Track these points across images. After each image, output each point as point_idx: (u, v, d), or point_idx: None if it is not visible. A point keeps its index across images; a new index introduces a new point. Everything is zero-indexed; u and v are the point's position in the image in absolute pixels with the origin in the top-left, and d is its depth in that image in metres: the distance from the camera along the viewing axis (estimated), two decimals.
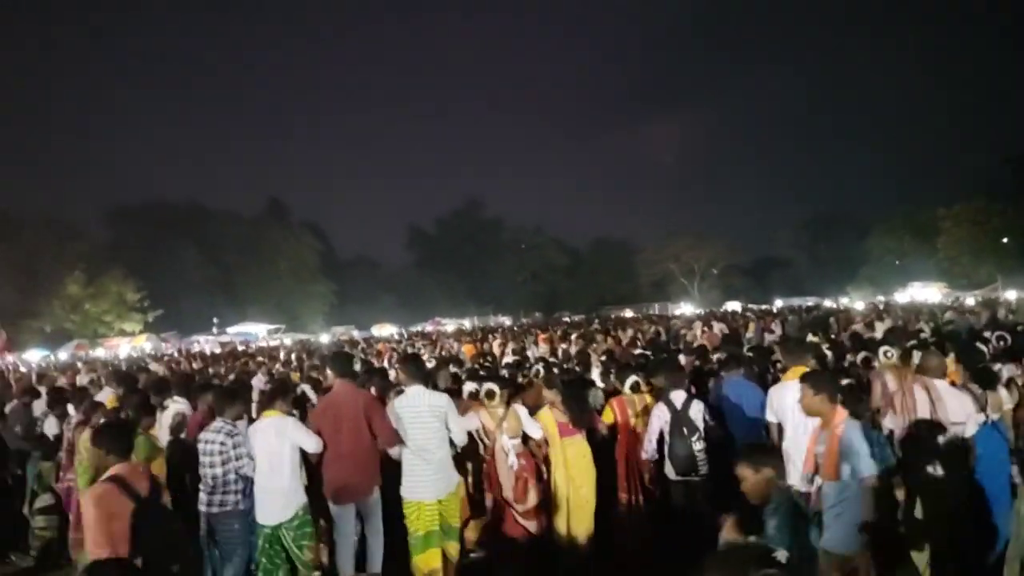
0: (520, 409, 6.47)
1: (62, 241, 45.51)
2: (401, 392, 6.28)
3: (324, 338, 39.57)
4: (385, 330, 46.79)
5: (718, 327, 21.60)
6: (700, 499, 6.41)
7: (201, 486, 5.82)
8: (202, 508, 5.78)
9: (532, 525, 6.20)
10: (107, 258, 47.29)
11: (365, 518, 6.10)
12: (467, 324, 50.89)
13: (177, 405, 7.41)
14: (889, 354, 7.64)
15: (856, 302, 41.91)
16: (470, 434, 6.39)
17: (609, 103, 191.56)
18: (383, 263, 76.86)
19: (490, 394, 6.55)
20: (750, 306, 48.19)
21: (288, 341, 37.58)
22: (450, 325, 49.33)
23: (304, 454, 5.90)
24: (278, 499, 5.67)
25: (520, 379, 8.33)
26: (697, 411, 6.62)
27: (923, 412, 5.49)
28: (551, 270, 77.64)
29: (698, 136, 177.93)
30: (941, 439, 5.30)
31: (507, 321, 54.20)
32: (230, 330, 44.52)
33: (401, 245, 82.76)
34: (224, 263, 55.39)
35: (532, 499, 6.18)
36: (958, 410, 5.43)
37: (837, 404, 4.61)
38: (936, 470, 5.15)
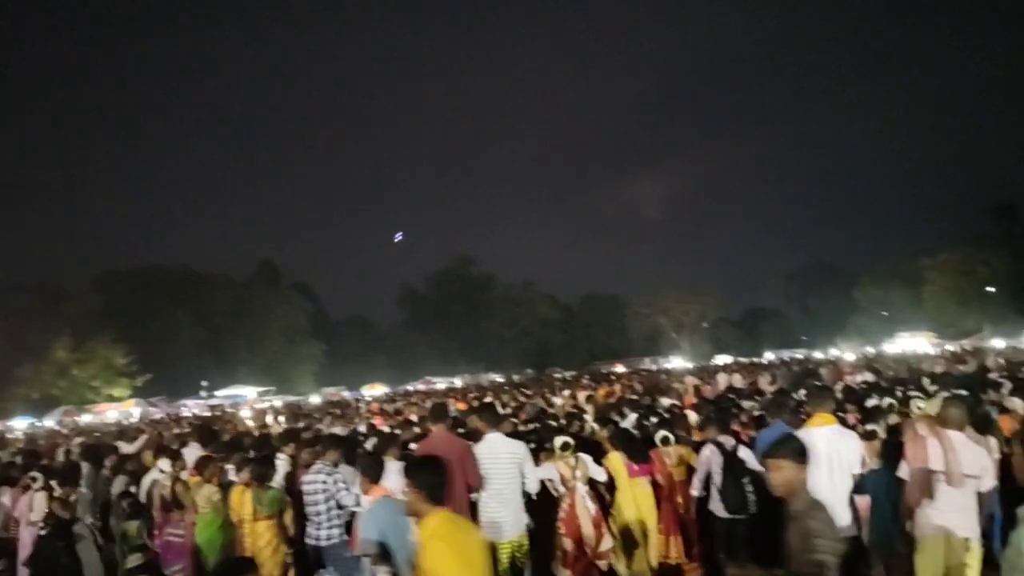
0: (586, 457, 7.00)
1: (50, 306, 45.32)
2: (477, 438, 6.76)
3: (314, 399, 39.28)
4: (376, 390, 46.48)
5: (723, 378, 22.56)
6: (743, 536, 6.92)
7: (308, 523, 6.73)
8: (310, 542, 6.65)
9: (606, 565, 6.79)
10: (96, 322, 47.02)
11: None
12: (458, 382, 50.68)
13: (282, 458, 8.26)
14: (921, 405, 7.86)
15: (846, 353, 42.02)
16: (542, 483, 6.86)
17: (597, 159, 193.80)
18: (374, 323, 76.80)
19: (565, 446, 6.98)
20: (739, 359, 48.24)
21: (278, 403, 37.29)
22: (441, 383, 49.09)
23: None
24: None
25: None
26: (746, 454, 7.04)
27: (935, 464, 5.39)
28: (542, 326, 77.63)
29: (686, 191, 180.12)
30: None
31: (499, 378, 53.95)
32: (219, 393, 44.15)
33: (392, 304, 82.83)
34: (214, 326, 55.17)
35: (608, 542, 6.78)
36: (973, 463, 5.36)
37: None
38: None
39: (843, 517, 5.80)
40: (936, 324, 47.73)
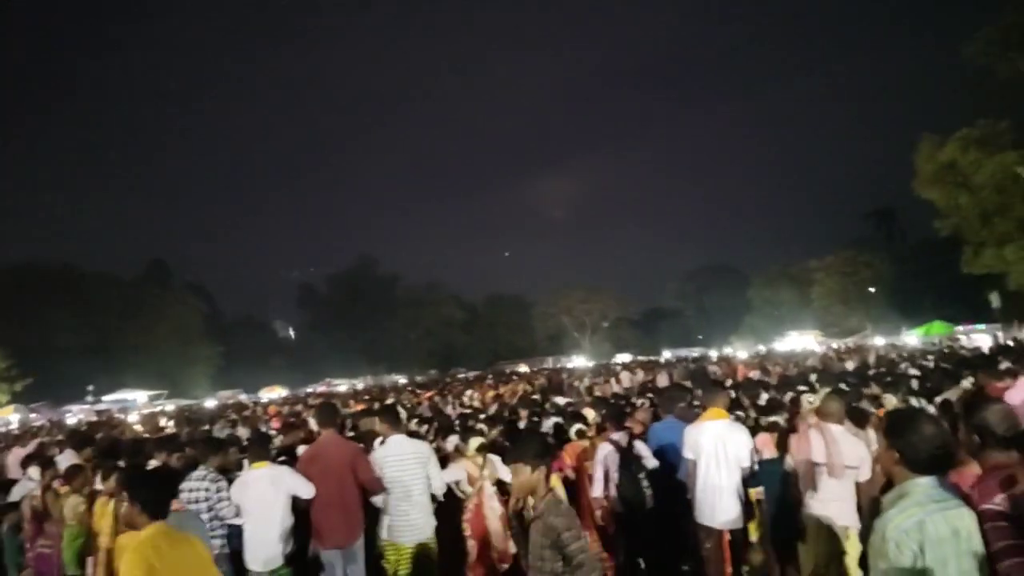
0: (494, 457, 6.99)
1: None
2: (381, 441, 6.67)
3: (209, 403, 37.99)
4: (274, 393, 45.32)
5: (626, 376, 23.26)
6: (645, 530, 6.86)
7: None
8: None
9: (509, 567, 6.73)
10: None
11: (348, 563, 6.31)
12: (360, 384, 49.99)
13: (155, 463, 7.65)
14: (811, 400, 8.02)
15: (739, 351, 43.56)
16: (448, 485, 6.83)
17: (502, 160, 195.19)
18: (273, 324, 74.96)
19: (472, 445, 7.06)
20: (639, 358, 49.37)
21: (170, 407, 35.87)
22: (342, 385, 48.31)
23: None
24: (269, 546, 6.00)
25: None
26: (641, 450, 7.07)
27: (818, 457, 5.60)
28: (447, 326, 77.40)
29: (589, 192, 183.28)
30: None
31: (402, 380, 53.48)
32: (107, 398, 42.08)
33: (292, 305, 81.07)
34: (100, 328, 52.52)
35: (513, 545, 6.76)
36: (852, 455, 5.58)
37: None
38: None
39: (731, 508, 6.10)
40: (823, 323, 50.06)
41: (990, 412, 3.23)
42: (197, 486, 6.19)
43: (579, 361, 55.30)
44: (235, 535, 6.21)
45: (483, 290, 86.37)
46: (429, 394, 22.73)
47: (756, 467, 6.31)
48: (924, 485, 2.89)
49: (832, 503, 5.51)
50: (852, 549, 5.47)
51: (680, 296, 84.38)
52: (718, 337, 62.11)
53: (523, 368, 50.78)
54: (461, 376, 48.96)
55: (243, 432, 13.22)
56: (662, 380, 21.80)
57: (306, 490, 6.12)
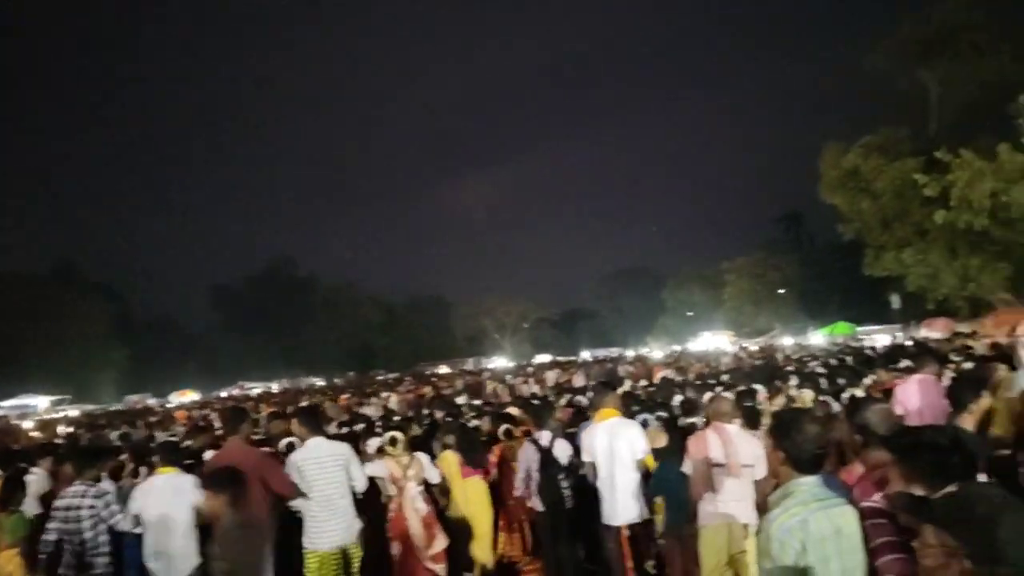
0: (422, 456, 6.89)
1: None
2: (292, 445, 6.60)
3: (116, 408, 36.54)
4: (186, 397, 43.93)
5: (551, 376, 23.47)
6: (565, 529, 6.85)
7: (67, 551, 5.73)
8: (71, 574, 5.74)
9: (439, 568, 6.61)
10: None
11: None
12: (275, 387, 48.92)
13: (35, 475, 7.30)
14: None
15: (655, 351, 44.40)
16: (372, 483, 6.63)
17: (422, 161, 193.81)
18: (185, 325, 72.65)
19: (393, 441, 6.81)
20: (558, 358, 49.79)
21: (74, 413, 34.34)
22: (257, 388, 47.19)
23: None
24: (173, 558, 5.63)
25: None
26: (562, 450, 6.98)
27: (716, 457, 5.64)
28: (366, 328, 76.52)
29: (511, 194, 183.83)
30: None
31: (319, 382, 52.55)
32: (5, 403, 39.99)
33: (205, 306, 78.75)
34: (0, 330, 49.87)
35: (440, 544, 6.63)
36: (748, 453, 5.66)
37: None
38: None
39: (628, 505, 6.23)
40: (734, 324, 51.47)
41: (872, 412, 3.36)
42: (74, 503, 5.79)
43: (499, 362, 55.44)
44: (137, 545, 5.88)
45: (403, 291, 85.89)
46: (346, 397, 22.41)
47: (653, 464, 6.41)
48: (808, 484, 2.93)
49: (731, 502, 5.57)
50: (752, 547, 5.49)
51: (598, 297, 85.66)
52: (633, 337, 63.20)
53: (443, 369, 50.58)
54: (380, 378, 48.49)
55: (143, 435, 12.72)
56: (578, 380, 22.03)
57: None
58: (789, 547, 2.79)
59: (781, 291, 51.13)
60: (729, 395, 7.65)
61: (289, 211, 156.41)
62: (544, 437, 7.09)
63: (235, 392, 45.90)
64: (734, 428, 5.80)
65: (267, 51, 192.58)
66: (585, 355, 52.44)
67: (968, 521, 1.67)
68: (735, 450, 5.57)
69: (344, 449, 6.24)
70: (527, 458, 7.00)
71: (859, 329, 34.16)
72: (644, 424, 7.25)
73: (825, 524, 2.82)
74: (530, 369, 33.16)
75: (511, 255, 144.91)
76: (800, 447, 2.96)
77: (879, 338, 28.52)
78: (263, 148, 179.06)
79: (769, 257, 53.01)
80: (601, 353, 50.01)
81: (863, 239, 28.62)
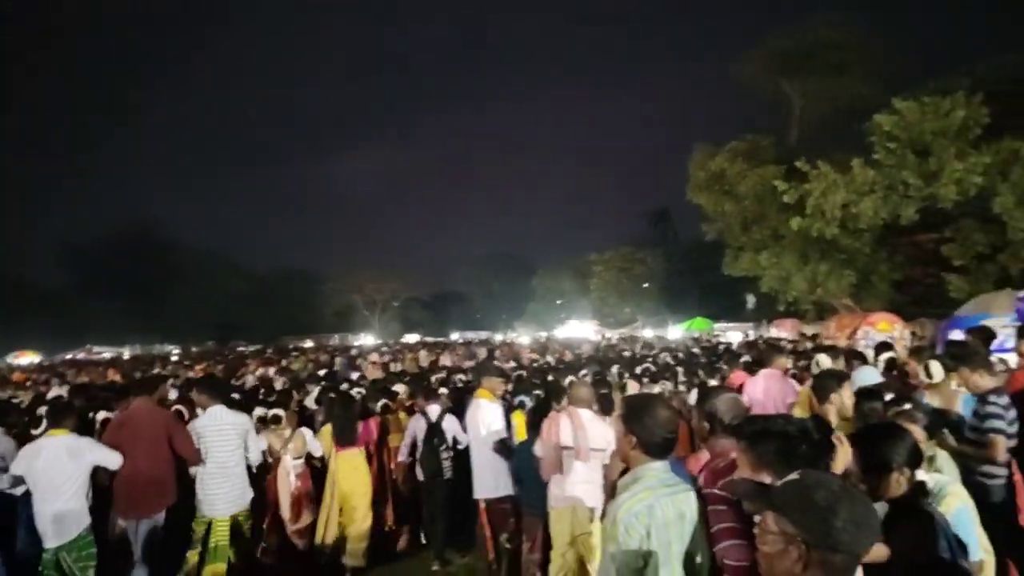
0: (305, 431, 7.22)
1: None
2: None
3: None
4: (24, 359, 40.95)
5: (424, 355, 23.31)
6: (441, 500, 7.27)
7: None
8: None
9: (301, 543, 6.94)
10: None
11: (149, 534, 6.11)
12: (127, 353, 46.40)
13: None
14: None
15: (522, 337, 45.03)
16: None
17: (295, 131, 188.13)
18: (34, 284, 67.41)
19: (275, 419, 7.06)
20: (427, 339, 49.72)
21: None
22: (107, 353, 44.66)
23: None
24: (63, 520, 5.52)
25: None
26: (450, 425, 7.35)
27: (566, 441, 5.75)
28: (229, 298, 73.53)
29: (387, 171, 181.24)
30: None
31: (175, 351, 50.16)
32: None
33: (53, 264, 73.58)
34: None
35: (306, 519, 6.95)
36: (599, 438, 5.78)
37: None
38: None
39: (489, 481, 6.65)
40: (599, 313, 52.85)
41: (720, 401, 3.45)
42: None
43: (367, 339, 54.75)
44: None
45: (271, 262, 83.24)
46: (202, 366, 21.53)
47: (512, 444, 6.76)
48: (657, 470, 2.98)
49: (580, 485, 5.70)
50: (597, 530, 5.66)
51: (470, 280, 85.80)
52: (503, 322, 63.87)
53: (308, 344, 49.48)
54: (240, 349, 46.85)
55: None
56: (445, 360, 22.13)
57: (112, 460, 5.83)
58: (635, 532, 2.81)
59: (645, 284, 52.77)
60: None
61: (155, 173, 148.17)
62: (433, 411, 7.44)
63: (80, 356, 43.32)
64: (587, 413, 5.91)
65: (145, 19, 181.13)
66: (455, 337, 52.58)
67: (807, 508, 1.71)
68: (586, 434, 5.69)
69: (243, 419, 6.46)
70: (415, 428, 7.37)
71: (715, 325, 35.85)
72: (521, 405, 7.56)
73: (670, 510, 2.86)
74: (397, 348, 32.92)
75: (386, 232, 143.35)
76: (651, 432, 2.98)
77: (732, 335, 30.03)
78: (133, 113, 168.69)
79: (636, 251, 54.57)
80: (470, 336, 50.31)
81: (724, 239, 29.71)
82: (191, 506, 6.24)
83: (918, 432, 3.37)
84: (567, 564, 5.67)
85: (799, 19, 30.63)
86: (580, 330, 45.58)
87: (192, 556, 6.08)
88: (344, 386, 10.21)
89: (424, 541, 7.69)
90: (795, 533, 1.73)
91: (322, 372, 15.27)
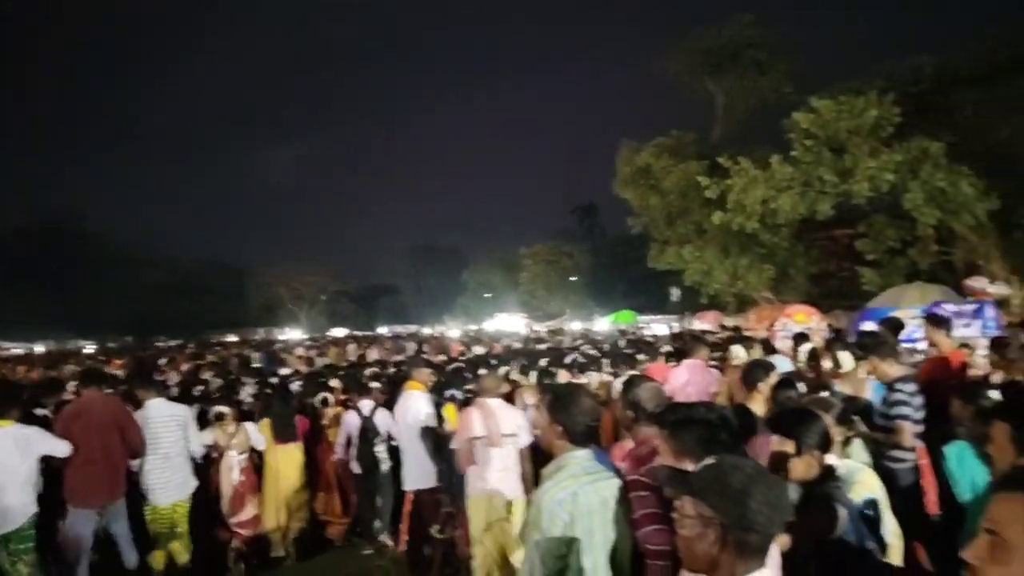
0: (249, 426, 7.35)
1: None
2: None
3: None
4: None
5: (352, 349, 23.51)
6: (378, 491, 7.55)
7: None
8: None
9: (246, 533, 7.13)
10: None
11: (113, 521, 6.32)
12: (40, 349, 44.55)
13: None
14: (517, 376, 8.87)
15: (452, 330, 44.98)
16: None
17: (220, 121, 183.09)
18: None
19: (220, 416, 7.23)
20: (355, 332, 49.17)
21: None
22: (17, 349, 42.82)
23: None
24: (5, 512, 5.49)
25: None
26: (383, 419, 7.55)
27: (477, 431, 5.95)
28: (153, 291, 71.23)
29: (315, 163, 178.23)
30: None
31: (90, 347, 48.33)
32: None
33: None
34: None
35: (249, 511, 7.14)
36: (510, 424, 6.02)
37: None
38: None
39: (431, 474, 6.89)
40: (528, 307, 53.16)
41: (643, 389, 3.55)
42: None
43: (294, 334, 53.85)
44: None
45: (194, 255, 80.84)
46: (121, 362, 20.86)
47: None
48: (581, 458, 3.02)
49: (495, 473, 5.86)
50: (514, 515, 5.80)
51: (399, 274, 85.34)
52: (433, 315, 63.63)
53: (233, 338, 48.36)
54: (161, 345, 45.47)
55: None
56: (373, 354, 21.98)
57: (61, 449, 5.92)
58: (558, 519, 2.85)
59: (573, 278, 53.31)
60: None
61: (72, 163, 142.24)
62: (366, 406, 7.66)
63: None
64: (496, 401, 6.15)
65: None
66: (383, 331, 52.16)
67: (723, 492, 1.79)
68: (496, 422, 5.91)
69: (183, 411, 6.78)
70: (349, 424, 7.56)
71: (640, 318, 36.47)
72: (452, 398, 7.64)
73: (593, 497, 2.91)
74: (323, 342, 32.46)
75: (314, 225, 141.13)
76: (575, 420, 3.03)
77: (657, 327, 30.59)
78: (55, 101, 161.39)
79: (564, 245, 55.10)
80: (399, 329, 49.97)
81: (649, 233, 30.14)
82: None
83: (828, 419, 3.51)
84: (488, 553, 5.76)
85: (722, 19, 31.23)
86: (509, 323, 45.75)
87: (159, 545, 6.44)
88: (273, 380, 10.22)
89: (359, 531, 7.95)
90: (712, 516, 1.81)
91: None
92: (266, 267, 73.38)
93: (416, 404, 6.96)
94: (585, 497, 2.90)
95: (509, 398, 7.05)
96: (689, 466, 2.52)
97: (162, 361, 18.60)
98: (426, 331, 48.78)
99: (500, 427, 5.90)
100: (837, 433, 3.59)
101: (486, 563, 5.76)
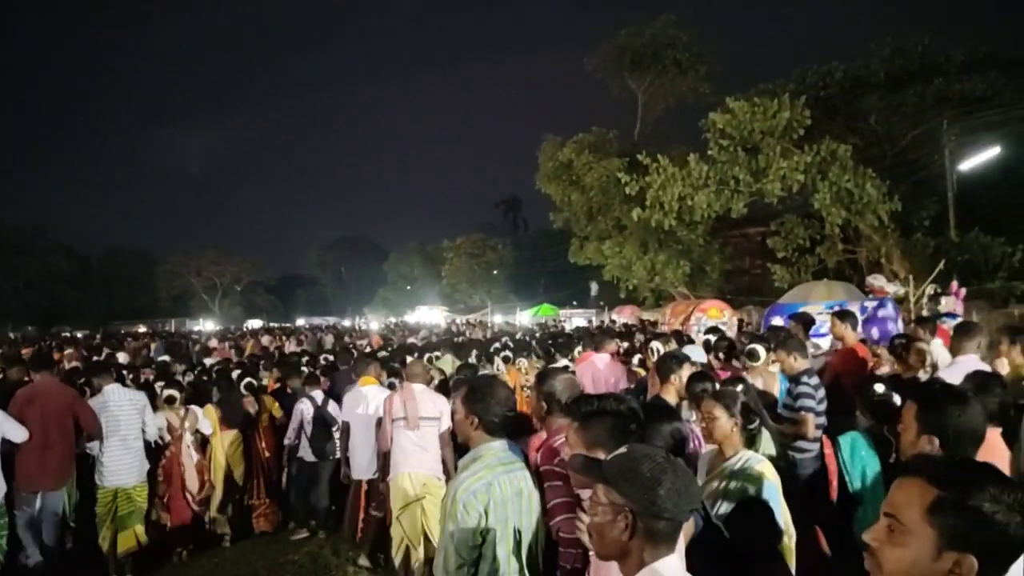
0: (197, 409, 7.64)
1: None
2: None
3: None
4: None
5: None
6: (327, 478, 7.93)
7: None
8: None
9: (203, 510, 7.60)
10: None
11: (50, 506, 6.44)
12: None
13: None
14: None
15: (372, 322, 44.53)
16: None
17: (129, 103, 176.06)
18: None
19: (171, 400, 7.51)
20: (272, 324, 48.18)
21: None
22: None
23: None
24: None
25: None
26: (334, 407, 7.87)
27: (398, 413, 6.26)
28: (54, 279, 67.93)
29: (229, 150, 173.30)
30: None
31: None
32: None
33: None
34: None
35: (208, 490, 7.57)
36: (430, 407, 6.28)
37: None
38: None
39: (366, 461, 7.17)
40: (450, 300, 53.08)
41: (557, 381, 3.61)
42: None
43: (207, 325, 52.34)
44: None
45: (102, 242, 77.60)
46: (28, 350, 19.90)
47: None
48: (496, 449, 3.05)
49: (413, 453, 6.15)
50: (431, 495, 6.04)
51: (319, 265, 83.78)
52: (353, 307, 62.87)
53: (142, 329, 46.63)
54: (65, 335, 43.52)
55: None
56: (290, 347, 21.71)
57: (18, 433, 6.11)
58: (473, 509, 2.87)
59: (495, 271, 53.49)
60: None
61: None
62: (318, 396, 8.04)
63: None
64: (419, 387, 6.42)
65: None
66: (301, 322, 51.26)
67: (634, 480, 1.83)
68: (416, 405, 6.19)
69: (139, 396, 7.07)
70: (302, 412, 7.87)
71: (561, 311, 36.89)
72: (391, 388, 7.75)
73: (508, 487, 2.95)
74: (239, 334, 31.71)
75: (229, 213, 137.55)
76: (492, 411, 3.06)
77: (577, 320, 30.99)
78: None
79: (487, 238, 55.18)
80: (318, 321, 49.16)
81: (571, 229, 30.50)
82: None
83: (718, 409, 3.66)
84: (403, 532, 6.08)
85: (647, 18, 31.68)
86: (430, 316, 45.59)
87: (105, 523, 6.64)
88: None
89: (293, 515, 8.25)
90: (623, 503, 1.84)
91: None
92: (178, 256, 70.95)
93: (369, 397, 7.15)
94: (500, 487, 2.93)
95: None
96: (601, 456, 2.57)
97: (68, 351, 17.80)
98: (346, 323, 48.10)
99: (420, 411, 6.17)
100: (733, 425, 3.70)
101: (403, 542, 6.09)
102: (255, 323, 52.17)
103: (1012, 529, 1.41)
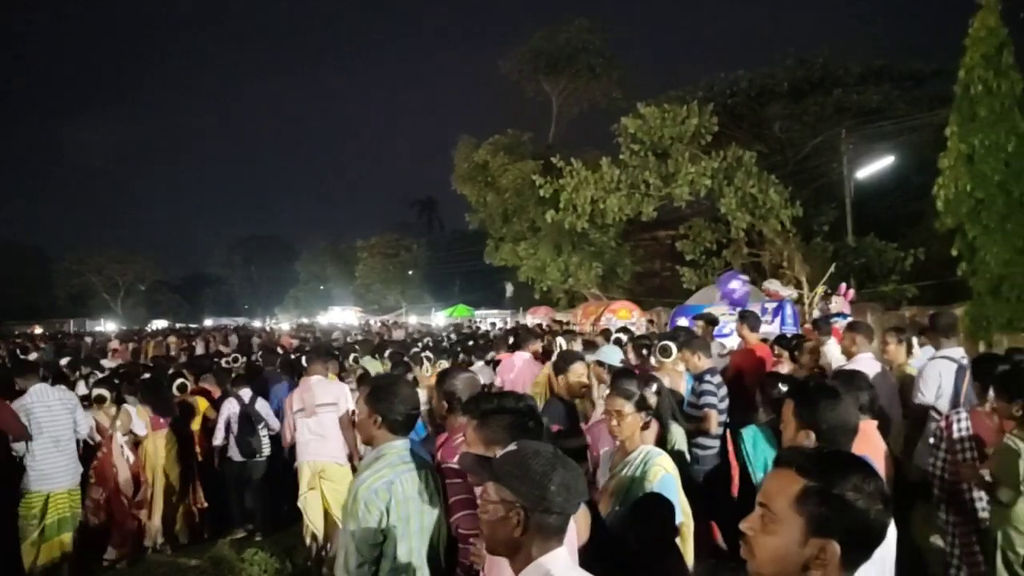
0: (131, 408, 7.40)
1: None
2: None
3: None
4: None
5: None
6: (257, 477, 7.81)
7: None
8: None
9: (143, 514, 7.31)
10: None
11: None
12: None
13: None
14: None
15: (283, 323, 43.61)
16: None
17: (20, 91, 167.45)
18: None
19: (100, 399, 7.30)
20: (178, 325, 46.66)
21: None
22: None
23: None
24: None
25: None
26: (262, 406, 7.87)
27: (296, 405, 6.82)
28: None
29: (134, 145, 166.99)
30: None
31: None
32: None
33: None
34: None
35: (143, 492, 7.30)
36: (326, 395, 6.77)
37: None
38: None
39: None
40: (364, 300, 52.47)
41: (458, 380, 3.65)
42: None
43: (109, 325, 50.22)
44: None
45: None
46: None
47: None
48: (398, 447, 3.05)
49: (312, 440, 6.59)
50: (337, 478, 6.47)
51: (226, 264, 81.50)
52: (263, 308, 61.42)
53: (38, 330, 44.35)
54: None
55: None
56: (200, 348, 21.14)
57: None
58: (375, 508, 2.87)
59: (410, 272, 53.16)
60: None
61: None
62: (246, 394, 7.88)
63: None
64: (316, 378, 6.89)
65: None
66: (208, 323, 49.78)
67: (524, 476, 1.86)
68: (312, 395, 6.66)
69: (70, 395, 6.86)
70: (229, 411, 7.74)
71: (476, 312, 36.96)
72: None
73: (410, 485, 2.96)
74: (143, 334, 30.59)
75: (131, 210, 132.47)
76: (395, 410, 3.05)
77: (492, 321, 31.13)
78: None
79: (402, 238, 54.81)
80: (226, 322, 47.83)
81: (486, 229, 30.63)
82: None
83: (628, 406, 3.70)
84: (308, 519, 6.51)
85: (562, 23, 32.02)
86: (343, 316, 44.96)
87: (33, 531, 6.24)
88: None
89: (233, 516, 8.10)
90: (514, 500, 1.87)
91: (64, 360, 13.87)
92: (76, 253, 67.82)
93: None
94: (402, 485, 2.94)
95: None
96: (498, 453, 2.61)
97: None
98: (256, 324, 46.95)
99: (316, 399, 6.61)
100: (640, 421, 3.76)
101: (308, 528, 6.54)
102: (160, 323, 50.37)
103: (873, 516, 1.49)
